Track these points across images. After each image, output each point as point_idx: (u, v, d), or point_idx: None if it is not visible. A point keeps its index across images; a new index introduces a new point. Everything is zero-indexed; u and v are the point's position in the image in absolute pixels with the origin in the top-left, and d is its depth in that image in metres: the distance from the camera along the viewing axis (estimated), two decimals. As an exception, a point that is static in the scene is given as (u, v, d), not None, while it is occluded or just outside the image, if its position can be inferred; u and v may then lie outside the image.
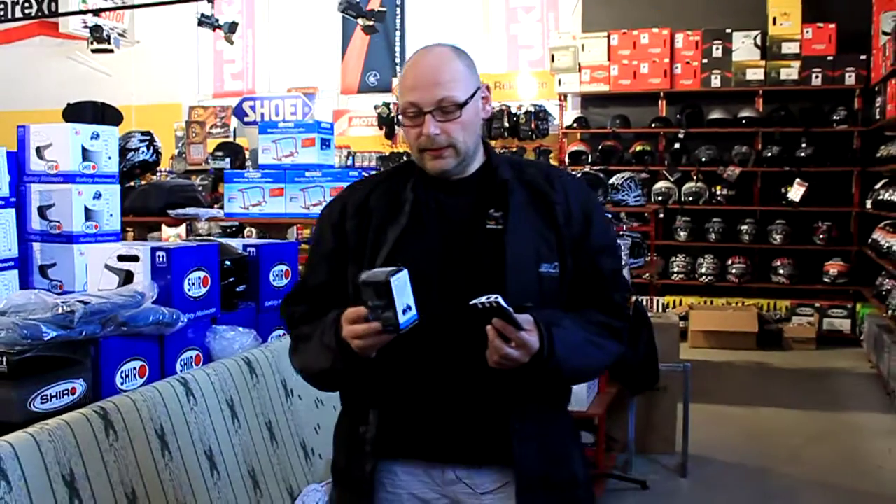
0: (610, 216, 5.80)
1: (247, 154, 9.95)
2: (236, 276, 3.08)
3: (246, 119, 11.41)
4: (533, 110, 9.90)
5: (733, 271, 9.07)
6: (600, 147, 9.44)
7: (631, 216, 7.09)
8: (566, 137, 9.90)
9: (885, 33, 8.03)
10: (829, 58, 8.85)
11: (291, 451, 2.92)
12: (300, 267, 3.34)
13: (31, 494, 1.89)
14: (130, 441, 2.21)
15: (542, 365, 1.66)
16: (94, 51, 9.78)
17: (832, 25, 8.87)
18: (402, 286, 1.59)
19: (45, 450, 1.95)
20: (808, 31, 8.94)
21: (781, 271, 8.96)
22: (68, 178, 3.14)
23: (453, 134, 1.76)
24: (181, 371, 2.67)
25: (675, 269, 9.25)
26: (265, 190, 4.50)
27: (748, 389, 6.91)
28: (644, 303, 5.36)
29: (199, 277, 2.79)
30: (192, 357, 2.77)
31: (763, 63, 9.05)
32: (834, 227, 8.86)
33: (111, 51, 9.84)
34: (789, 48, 8.98)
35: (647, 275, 7.00)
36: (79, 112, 5.42)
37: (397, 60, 10.88)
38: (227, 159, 9.33)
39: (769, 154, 9.01)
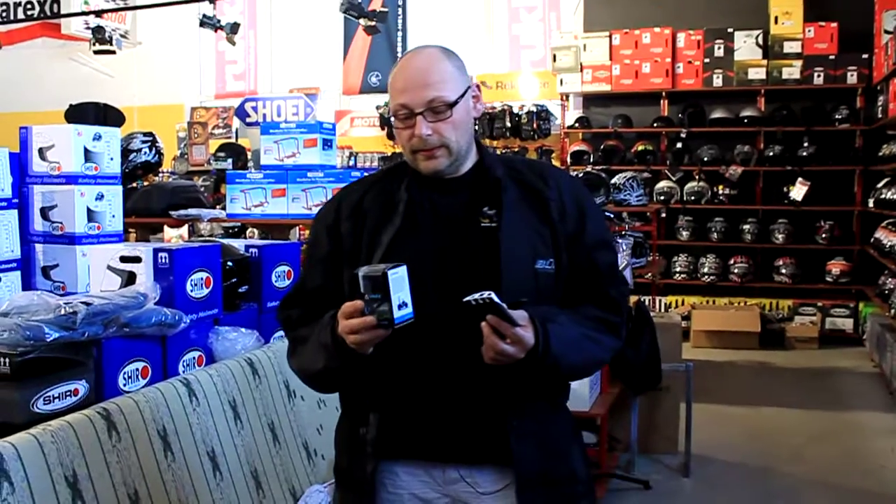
0: (611, 215, 5.80)
1: (249, 155, 9.97)
2: (238, 277, 3.08)
3: (248, 120, 11.40)
4: (535, 110, 9.91)
5: (735, 271, 9.06)
6: (602, 147, 9.44)
7: (633, 216, 7.09)
8: (568, 137, 9.90)
9: (886, 32, 8.03)
10: (831, 57, 8.84)
11: (294, 452, 2.92)
12: (302, 268, 3.34)
13: (34, 495, 1.89)
14: (133, 442, 2.21)
15: (538, 361, 1.67)
16: (96, 52, 9.79)
17: (834, 24, 8.87)
18: (399, 281, 1.59)
19: (47, 451, 1.95)
20: (809, 31, 8.93)
21: (784, 271, 8.96)
22: (70, 179, 3.14)
23: (445, 134, 1.77)
24: (184, 372, 2.67)
25: (678, 269, 9.25)
26: (267, 191, 4.50)
27: (751, 389, 6.91)
28: (646, 302, 5.36)
29: (202, 278, 2.79)
30: (194, 358, 2.78)
31: (765, 62, 9.04)
32: (836, 227, 8.86)
33: (113, 52, 9.85)
34: (791, 47, 8.97)
35: (650, 274, 7.00)
36: (81, 113, 5.43)
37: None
38: (229, 160, 9.33)
39: (771, 153, 9.00)
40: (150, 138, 5.16)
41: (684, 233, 9.26)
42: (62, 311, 2.24)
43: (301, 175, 4.46)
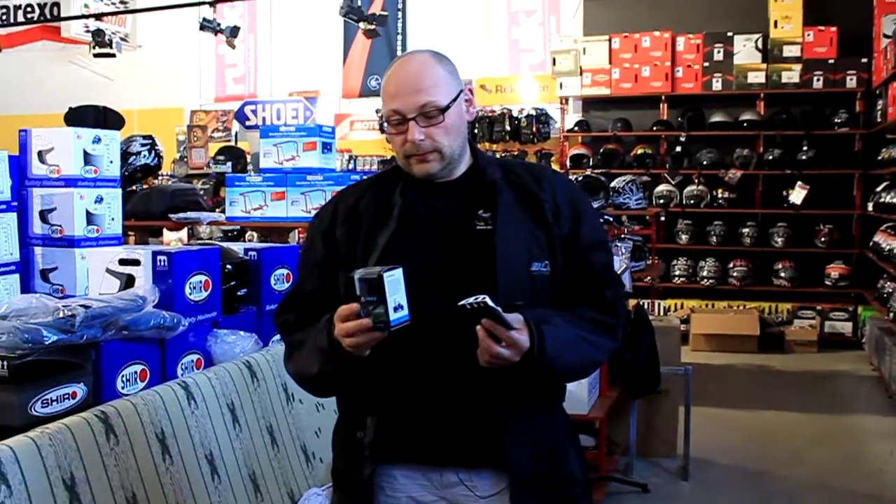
0: (610, 218, 5.81)
1: (248, 158, 9.98)
2: (237, 280, 3.09)
3: (247, 123, 11.43)
4: (534, 114, 9.92)
5: (735, 274, 9.07)
6: (601, 150, 9.44)
7: (632, 219, 7.11)
8: (567, 141, 9.91)
9: (886, 36, 8.03)
10: (831, 61, 8.86)
11: (292, 455, 2.92)
12: (298, 272, 3.34)
13: (32, 498, 1.89)
14: (131, 445, 2.21)
15: (533, 363, 1.67)
16: (96, 55, 9.79)
17: (833, 28, 8.88)
18: (395, 284, 1.60)
19: (45, 454, 1.96)
20: (809, 34, 8.94)
21: (783, 274, 8.96)
22: (70, 182, 3.14)
23: (437, 138, 1.77)
24: (182, 375, 2.68)
25: (677, 273, 9.25)
26: (266, 194, 4.50)
27: (749, 392, 6.91)
28: (645, 306, 5.37)
29: (201, 281, 2.79)
30: (193, 361, 2.78)
31: (764, 66, 9.06)
32: (835, 230, 8.87)
33: (113, 55, 9.86)
34: (790, 51, 8.98)
35: (649, 278, 7.01)
36: (80, 116, 5.43)
37: (399, 64, 10.88)
38: (229, 163, 9.33)
39: (770, 157, 9.01)
40: (150, 141, 5.16)
41: (683, 236, 9.27)
42: (61, 314, 2.24)
43: (300, 178, 4.46)
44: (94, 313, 2.31)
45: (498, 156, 8.44)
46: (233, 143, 11.07)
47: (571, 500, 1.86)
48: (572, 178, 6.72)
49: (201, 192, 5.89)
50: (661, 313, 8.72)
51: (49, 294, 2.95)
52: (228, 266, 3.03)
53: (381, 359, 1.73)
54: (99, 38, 9.43)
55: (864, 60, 8.74)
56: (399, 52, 10.92)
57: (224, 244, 3.30)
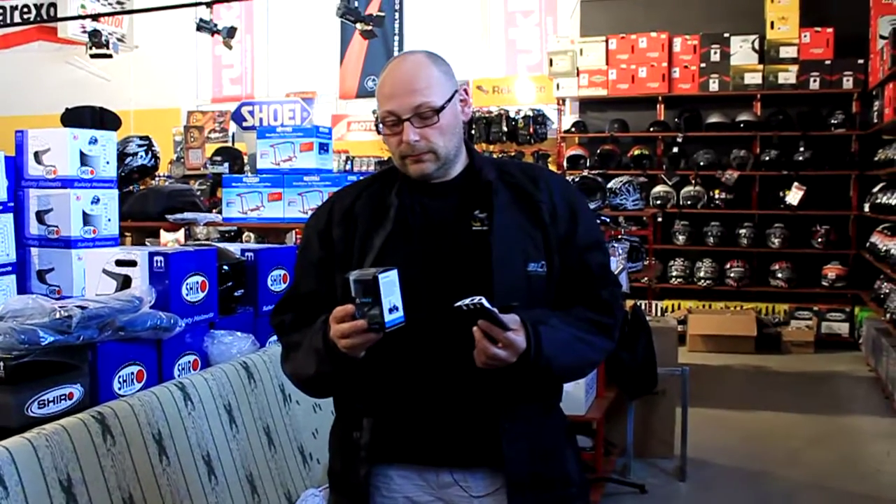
0: (607, 219, 5.81)
1: (245, 159, 9.98)
2: (234, 281, 3.08)
3: (244, 124, 11.42)
4: (531, 114, 9.93)
5: (732, 275, 9.08)
6: (599, 151, 9.45)
7: (629, 220, 7.10)
8: (564, 142, 9.92)
9: (882, 37, 8.04)
10: (827, 62, 8.87)
11: (289, 456, 2.92)
12: (295, 273, 3.34)
13: (28, 499, 1.88)
14: (128, 446, 2.21)
15: (530, 364, 1.67)
16: (92, 56, 9.79)
17: (830, 29, 8.89)
18: (390, 285, 1.60)
19: (42, 455, 1.95)
20: (805, 35, 8.96)
21: (780, 275, 8.97)
22: (66, 182, 3.14)
23: (432, 139, 1.77)
24: (179, 376, 2.67)
25: (674, 273, 9.26)
26: (263, 194, 4.50)
27: (747, 393, 6.91)
28: (642, 307, 5.36)
29: (197, 282, 2.79)
30: (189, 362, 2.77)
31: (761, 67, 9.07)
32: (832, 231, 8.88)
33: (110, 56, 9.86)
34: (787, 52, 8.99)
35: (646, 279, 7.00)
36: (77, 117, 5.43)
37: (396, 65, 10.88)
38: (226, 164, 9.34)
39: (767, 158, 9.02)
40: (147, 142, 5.15)
41: (680, 237, 9.28)
42: (57, 315, 2.23)
43: (297, 179, 4.45)
44: (91, 314, 2.31)
45: (495, 156, 8.45)
46: (229, 144, 11.08)
47: (568, 501, 1.86)
48: (569, 178, 6.72)
49: (198, 193, 5.88)
50: (658, 314, 8.73)
51: (45, 295, 2.95)
52: (225, 267, 3.03)
53: (377, 360, 1.73)
54: (95, 38, 9.42)
55: (861, 61, 8.75)
56: (396, 53, 10.91)
57: (221, 245, 3.29)
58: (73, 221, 3.13)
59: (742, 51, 9.13)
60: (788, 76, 8.98)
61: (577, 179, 6.15)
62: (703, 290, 9.17)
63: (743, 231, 9.11)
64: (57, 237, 3.14)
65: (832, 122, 8.90)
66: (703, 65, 9.22)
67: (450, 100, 1.80)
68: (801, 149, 8.93)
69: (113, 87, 11.80)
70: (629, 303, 4.92)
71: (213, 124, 11.67)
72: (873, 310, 7.82)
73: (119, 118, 5.77)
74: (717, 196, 9.22)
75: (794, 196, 8.84)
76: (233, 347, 2.89)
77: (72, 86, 11.63)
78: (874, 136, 8.46)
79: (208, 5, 8.50)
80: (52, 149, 3.15)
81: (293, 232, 4.77)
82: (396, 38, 10.80)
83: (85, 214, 3.17)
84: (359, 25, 7.98)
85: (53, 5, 10.99)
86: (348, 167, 10.66)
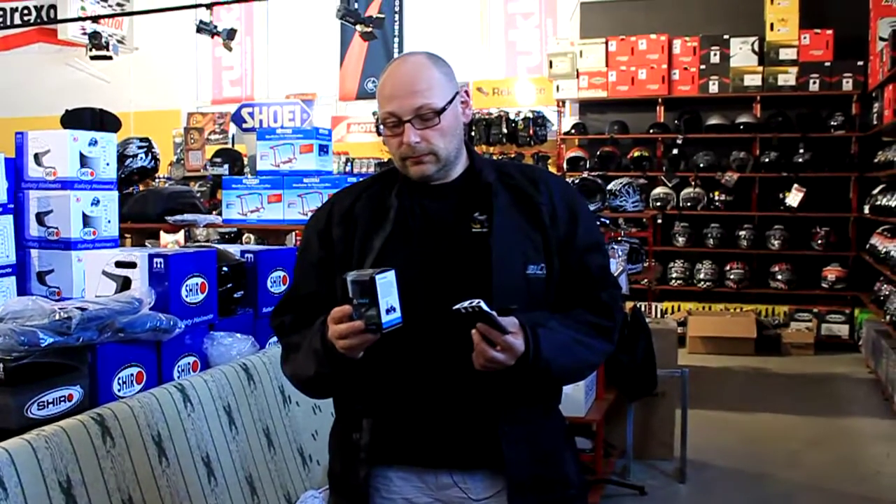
0: (607, 221, 5.81)
1: (245, 160, 9.99)
2: (234, 283, 3.08)
3: (244, 125, 11.44)
4: (531, 116, 9.93)
5: (731, 277, 9.08)
6: (598, 153, 9.45)
7: (629, 222, 7.11)
8: (564, 143, 9.92)
9: (882, 39, 8.05)
10: (827, 63, 8.87)
11: (289, 458, 2.92)
12: (294, 273, 3.34)
13: (28, 501, 1.88)
14: (127, 447, 2.21)
15: (528, 367, 1.67)
16: (92, 57, 9.80)
17: (829, 31, 8.90)
18: (387, 286, 1.60)
19: (41, 456, 1.95)
20: (805, 37, 8.96)
21: (780, 277, 8.97)
22: (66, 184, 3.13)
23: (433, 141, 1.77)
24: (178, 377, 2.67)
25: (674, 275, 9.26)
26: (263, 196, 4.49)
27: (746, 395, 6.91)
28: (642, 308, 5.36)
29: (197, 283, 2.79)
30: (189, 363, 2.77)
31: (761, 69, 9.07)
32: (832, 233, 8.88)
33: (110, 57, 9.87)
34: (787, 54, 9.00)
35: (646, 280, 7.00)
36: (77, 118, 5.43)
37: (396, 67, 10.89)
38: (226, 165, 9.35)
39: (767, 160, 9.02)
40: (147, 144, 5.16)
41: (680, 239, 9.28)
42: (57, 317, 2.23)
43: (297, 181, 4.45)
44: (91, 316, 2.31)
45: (494, 158, 8.45)
46: (229, 146, 11.09)
47: (568, 503, 1.86)
48: (569, 180, 6.72)
49: (198, 195, 5.87)
50: (658, 316, 8.73)
51: (45, 296, 2.95)
52: (225, 268, 3.02)
53: (377, 361, 1.74)
54: (95, 40, 9.44)
55: (860, 63, 8.75)
56: (396, 55, 10.92)
57: (220, 246, 3.29)
58: (73, 223, 3.13)
59: (742, 52, 9.13)
60: (788, 78, 8.98)
61: (576, 181, 6.15)
62: (702, 292, 9.17)
63: (743, 233, 9.11)
64: (57, 239, 3.14)
65: (832, 123, 8.90)
66: (702, 66, 9.22)
67: (451, 101, 1.80)
68: (801, 150, 8.93)
69: (113, 88, 11.80)
70: (629, 304, 4.92)
71: (213, 126, 11.68)
72: (873, 312, 7.82)
73: (119, 120, 5.78)
74: (716, 198, 9.22)
75: (793, 198, 8.85)
76: (232, 349, 2.89)
77: (72, 87, 11.64)
78: (874, 137, 8.46)
79: (208, 7, 8.51)
80: (52, 150, 3.14)
81: (293, 234, 4.77)
82: (396, 39, 10.81)
83: (85, 216, 3.17)
84: (359, 27, 7.98)
85: (53, 7, 10.99)
86: (348, 169, 10.67)
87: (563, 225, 1.83)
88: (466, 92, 1.89)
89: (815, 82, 8.88)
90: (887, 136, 8.13)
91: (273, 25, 11.93)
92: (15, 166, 3.16)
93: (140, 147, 5.10)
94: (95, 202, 3.20)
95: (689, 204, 9.22)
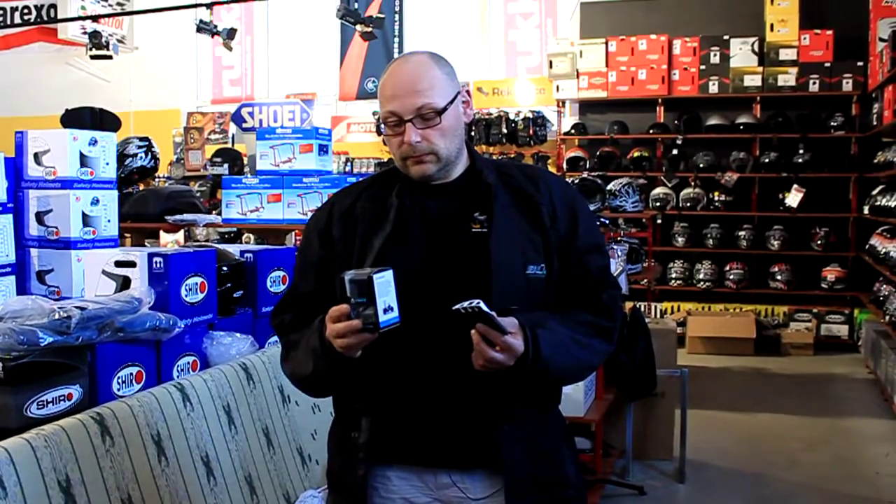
0: (607, 221, 5.81)
1: (245, 160, 9.99)
2: (233, 282, 3.08)
3: (244, 125, 11.43)
4: (531, 116, 9.93)
5: (731, 277, 9.08)
6: (598, 153, 9.46)
7: (629, 222, 7.11)
8: (564, 144, 9.92)
9: (882, 40, 8.05)
10: (827, 64, 8.88)
11: (288, 457, 2.92)
12: (294, 272, 3.34)
13: (27, 500, 1.88)
14: (127, 447, 2.21)
15: (528, 367, 1.67)
16: (92, 57, 9.79)
17: (829, 32, 8.90)
18: (384, 285, 1.60)
19: (41, 455, 1.95)
20: (805, 38, 8.96)
21: (779, 277, 8.97)
22: (66, 183, 3.13)
23: (434, 140, 1.77)
24: (178, 377, 2.67)
25: (673, 275, 9.26)
26: (263, 196, 4.49)
27: (746, 395, 6.91)
28: (642, 309, 5.36)
29: (197, 283, 2.79)
30: (188, 363, 2.77)
31: (760, 69, 9.07)
32: (831, 233, 8.88)
33: (110, 57, 9.86)
34: (787, 55, 9.00)
35: (645, 281, 7.00)
36: (77, 118, 5.43)
37: (396, 67, 10.89)
38: (226, 165, 9.34)
39: (767, 160, 9.03)
40: (147, 143, 5.15)
41: (680, 239, 9.28)
42: (56, 316, 2.24)
43: (297, 180, 4.45)
44: (90, 315, 2.31)
45: (494, 158, 8.45)
46: (229, 146, 11.08)
47: (567, 503, 1.86)
48: (569, 180, 6.73)
49: (198, 194, 5.87)
50: (658, 316, 8.73)
51: (45, 296, 2.95)
52: (224, 268, 3.03)
53: (376, 360, 1.74)
54: (95, 39, 9.43)
55: (860, 64, 8.76)
56: (396, 55, 10.92)
57: (220, 246, 3.29)
58: (72, 222, 3.13)
59: (742, 53, 9.14)
60: (788, 78, 8.98)
61: (576, 181, 6.15)
62: (702, 292, 9.17)
63: (742, 233, 9.11)
64: (56, 238, 3.14)
65: (832, 124, 8.91)
66: (702, 67, 9.23)
67: (452, 101, 1.80)
68: (801, 151, 8.94)
69: (113, 88, 11.81)
70: (628, 304, 4.93)
71: (213, 125, 11.67)
72: (872, 312, 7.82)
73: (119, 119, 5.77)
74: (716, 198, 9.22)
75: (793, 198, 8.85)
76: (232, 348, 2.89)
77: (71, 87, 11.65)
78: (874, 138, 8.46)
79: (208, 7, 8.51)
80: (52, 150, 3.14)
81: (293, 233, 4.77)
82: (396, 39, 10.81)
83: (84, 215, 3.16)
84: (359, 27, 7.99)
85: (54, 6, 10.99)
86: (348, 169, 10.67)
87: (564, 225, 1.83)
88: (468, 92, 1.89)
89: (814, 83, 8.88)
90: (887, 136, 8.13)
91: (273, 25, 11.93)
92: (15, 166, 3.16)
93: (140, 146, 5.10)
94: (95, 202, 3.20)
95: (688, 204, 9.22)
